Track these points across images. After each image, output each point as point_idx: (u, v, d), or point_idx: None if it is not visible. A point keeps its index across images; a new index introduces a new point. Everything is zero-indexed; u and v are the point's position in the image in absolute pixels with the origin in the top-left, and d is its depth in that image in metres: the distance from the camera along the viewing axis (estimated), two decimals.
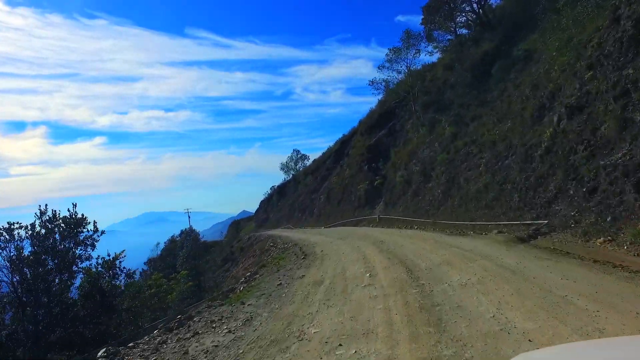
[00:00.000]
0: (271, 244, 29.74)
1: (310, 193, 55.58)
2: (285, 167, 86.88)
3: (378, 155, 35.98)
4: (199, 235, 78.72)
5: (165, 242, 75.32)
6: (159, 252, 70.03)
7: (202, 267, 43.85)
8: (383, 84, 32.49)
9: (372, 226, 27.45)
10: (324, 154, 64.27)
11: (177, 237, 78.31)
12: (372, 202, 32.04)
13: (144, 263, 65.82)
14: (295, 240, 26.53)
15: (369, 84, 34.02)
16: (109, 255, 22.41)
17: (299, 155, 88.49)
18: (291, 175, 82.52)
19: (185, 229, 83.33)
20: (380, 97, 42.01)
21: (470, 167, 20.58)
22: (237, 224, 69.26)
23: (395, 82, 34.14)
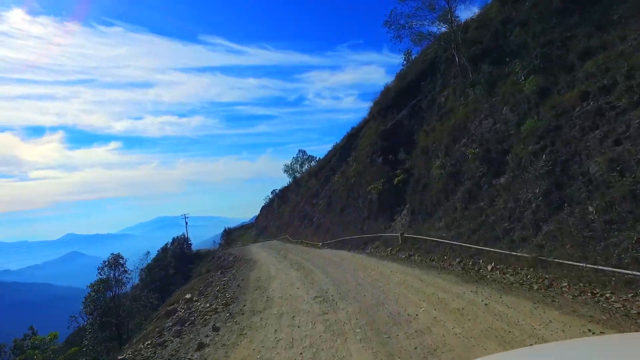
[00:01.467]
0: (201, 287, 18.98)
1: (311, 198, 44.33)
2: (289, 169, 76.07)
3: (397, 144, 24.51)
4: (189, 243, 69.14)
5: (158, 250, 66.87)
6: (149, 261, 62.19)
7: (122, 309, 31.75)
8: (407, 29, 20.68)
9: (389, 253, 16.32)
10: (329, 152, 52.85)
11: (170, 245, 69.56)
12: (390, 210, 20.58)
13: (140, 270, 58.16)
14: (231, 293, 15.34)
15: (385, 26, 21.68)
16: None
17: (304, 157, 77.75)
18: (294, 179, 71.79)
19: (178, 236, 73.44)
20: (402, 60, 30.48)
21: (607, 134, 9.21)
22: (229, 233, 58.40)
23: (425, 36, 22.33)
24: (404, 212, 18.69)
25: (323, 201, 34.61)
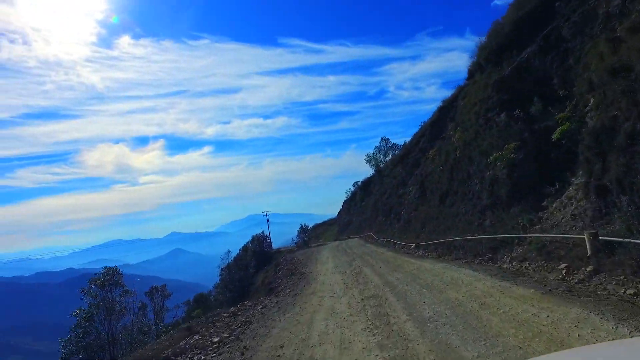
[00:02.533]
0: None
1: (397, 187, 36.00)
2: (372, 160, 68.02)
3: (524, 93, 15.56)
4: (268, 241, 64.67)
5: (240, 249, 63.83)
6: (231, 260, 59.05)
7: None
8: None
9: (570, 279, 7.76)
10: (415, 134, 43.80)
11: (250, 243, 65.72)
12: (533, 191, 11.83)
13: (220, 269, 55.53)
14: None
15: None
16: None
17: (388, 145, 69.16)
18: (376, 169, 63.66)
19: (257, 234, 69.19)
20: None
21: None
22: (305, 231, 52.09)
23: None
24: (572, 192, 9.98)
25: (413, 189, 26.21)
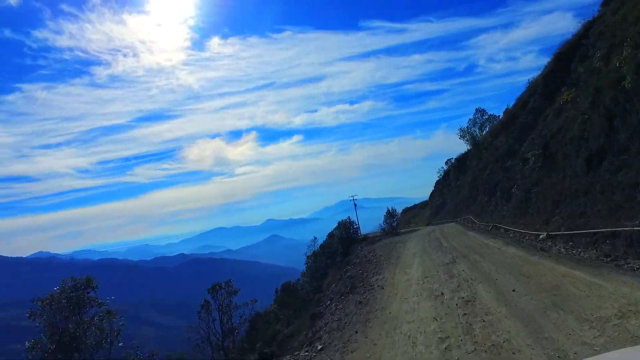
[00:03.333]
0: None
1: (502, 159, 28.97)
2: (465, 134, 60.25)
3: None
4: (355, 226, 60.52)
5: (327, 236, 61.02)
6: (317, 248, 56.14)
7: None
8: None
9: None
10: (520, 96, 35.62)
11: (335, 230, 62.27)
12: None
13: (306, 256, 53.53)
14: None
15: None
16: None
17: (484, 117, 60.75)
18: (472, 143, 55.86)
19: (343, 220, 65.41)
20: None
21: None
22: (393, 215, 46.46)
23: None
24: None
25: (532, 156, 19.46)
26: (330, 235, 57.05)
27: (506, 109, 41.25)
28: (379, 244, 27.78)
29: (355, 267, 20.37)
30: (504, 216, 21.16)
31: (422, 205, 75.43)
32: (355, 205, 70.89)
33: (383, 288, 13.01)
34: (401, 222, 61.86)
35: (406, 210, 78.93)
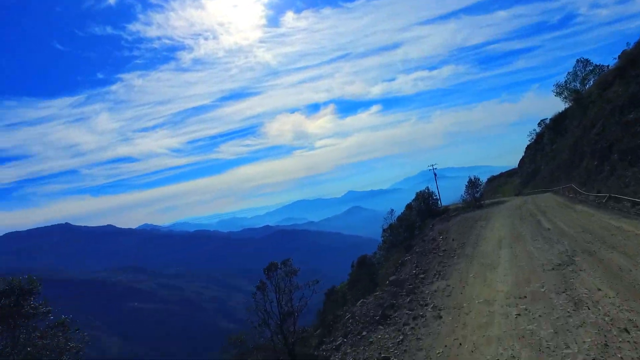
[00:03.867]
0: None
1: (618, 113, 22.58)
2: (563, 90, 51.99)
3: None
4: (434, 198, 56.03)
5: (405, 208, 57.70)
6: (394, 220, 53.13)
7: None
8: None
9: None
10: None
11: (413, 202, 58.46)
12: None
13: (382, 229, 51.12)
14: None
15: None
16: None
17: (587, 68, 51.74)
18: (572, 99, 47.50)
19: (422, 191, 61.09)
20: None
21: None
22: (476, 185, 40.72)
23: None
24: None
25: None
26: (408, 207, 53.04)
27: (624, 51, 33.21)
28: (455, 220, 23.20)
29: (412, 260, 16.13)
30: (628, 184, 15.87)
31: (510, 173, 67.59)
32: (435, 175, 65.80)
33: (440, 317, 8.17)
34: (486, 192, 55.70)
35: (491, 180, 71.57)
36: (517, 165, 65.35)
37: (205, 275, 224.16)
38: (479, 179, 40.76)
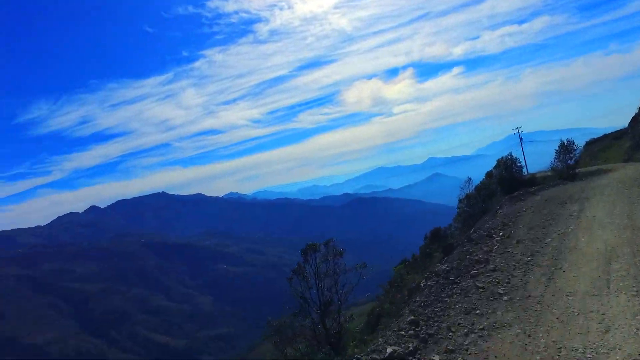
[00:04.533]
0: None
1: None
2: None
3: None
4: (518, 165, 49.91)
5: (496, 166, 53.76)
6: (472, 190, 49.02)
7: None
8: None
9: None
10: None
11: (494, 169, 53.19)
12: None
13: (458, 199, 47.74)
14: None
15: None
16: None
17: None
18: None
19: (504, 157, 54.95)
20: None
21: None
22: (569, 150, 34.09)
23: None
24: None
25: None
26: (488, 174, 47.79)
27: None
28: (533, 201, 16.88)
29: (420, 299, 10.15)
30: None
31: (617, 134, 57.45)
32: (521, 139, 58.59)
33: None
34: (583, 157, 47.74)
35: (591, 143, 61.75)
36: (627, 125, 55.19)
37: (286, 241, 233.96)
38: (573, 143, 33.98)
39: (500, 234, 13.37)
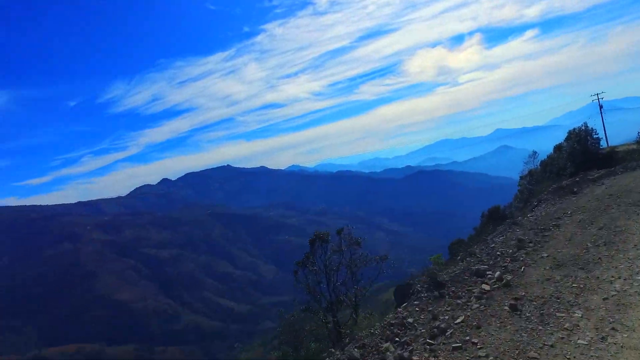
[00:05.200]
0: None
1: None
2: None
3: None
4: (594, 136, 45.36)
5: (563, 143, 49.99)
6: (537, 165, 46.35)
7: None
8: None
9: None
10: None
11: (565, 142, 49.43)
12: None
13: (519, 176, 45.78)
14: None
15: None
16: None
17: None
18: None
19: (576, 128, 50.64)
20: None
21: None
22: None
23: None
24: None
25: None
26: (557, 148, 44.01)
27: None
28: (589, 196, 11.45)
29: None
30: None
31: None
32: (601, 107, 52.82)
33: None
34: None
35: None
36: None
37: (347, 213, 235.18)
38: None
39: (497, 274, 7.65)
